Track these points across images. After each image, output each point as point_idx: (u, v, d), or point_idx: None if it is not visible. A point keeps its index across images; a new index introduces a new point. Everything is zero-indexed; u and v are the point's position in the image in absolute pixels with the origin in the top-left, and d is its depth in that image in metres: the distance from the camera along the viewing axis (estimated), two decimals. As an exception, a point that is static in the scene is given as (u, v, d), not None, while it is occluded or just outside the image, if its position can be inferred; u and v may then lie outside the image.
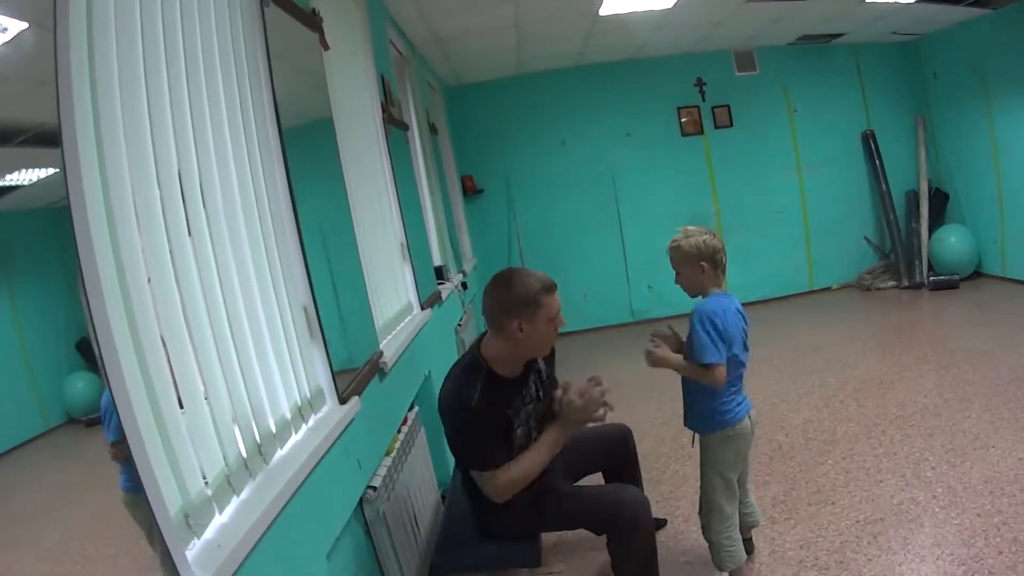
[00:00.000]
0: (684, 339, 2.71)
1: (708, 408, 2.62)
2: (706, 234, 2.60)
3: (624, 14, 5.70)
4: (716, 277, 2.61)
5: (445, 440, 2.56)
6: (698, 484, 2.78)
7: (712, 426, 2.63)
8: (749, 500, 2.90)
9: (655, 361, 2.63)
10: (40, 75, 1.07)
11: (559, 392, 2.52)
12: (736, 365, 2.57)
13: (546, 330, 2.38)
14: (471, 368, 2.41)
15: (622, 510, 2.43)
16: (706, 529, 2.74)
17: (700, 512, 2.78)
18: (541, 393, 2.60)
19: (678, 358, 2.61)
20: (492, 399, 2.32)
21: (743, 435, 2.64)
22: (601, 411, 2.47)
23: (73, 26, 1.15)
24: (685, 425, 2.76)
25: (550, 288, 2.37)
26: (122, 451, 1.12)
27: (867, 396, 4.60)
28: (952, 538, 2.85)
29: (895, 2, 6.11)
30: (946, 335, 5.89)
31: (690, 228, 2.64)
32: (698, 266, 2.57)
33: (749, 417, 2.65)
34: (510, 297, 2.33)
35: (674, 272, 2.68)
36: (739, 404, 2.62)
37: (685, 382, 2.70)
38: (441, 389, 2.46)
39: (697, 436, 2.73)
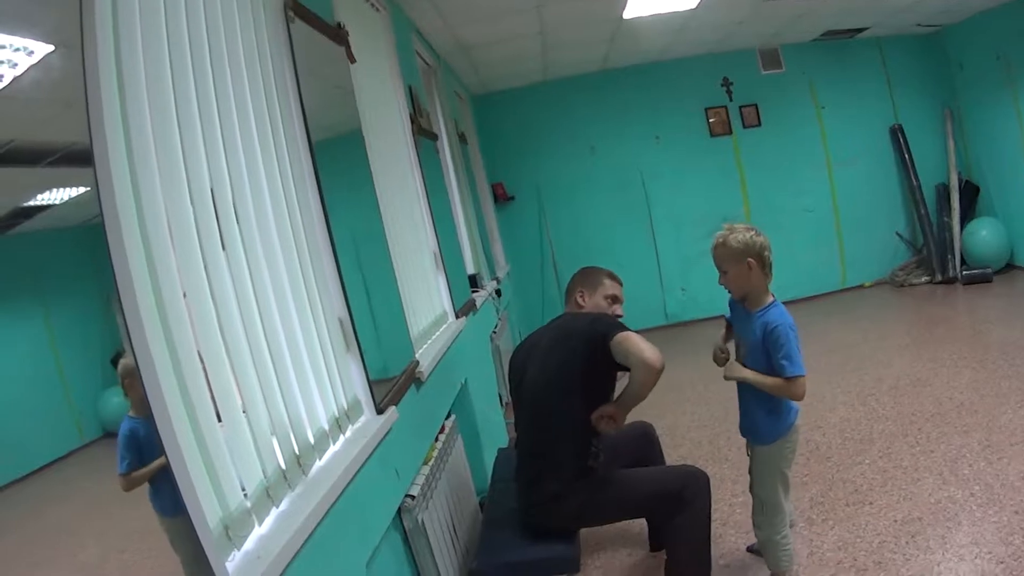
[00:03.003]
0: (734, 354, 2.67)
1: (776, 418, 2.55)
2: (751, 231, 2.51)
3: (647, 16, 5.68)
4: (764, 276, 2.51)
5: (528, 424, 2.71)
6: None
7: (775, 437, 2.57)
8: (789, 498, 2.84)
9: (732, 374, 2.57)
10: (67, 96, 1.09)
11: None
12: None
13: (604, 306, 2.82)
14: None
15: (689, 481, 2.55)
16: (765, 529, 2.66)
17: (755, 514, 2.71)
18: None
19: (749, 372, 2.52)
20: None
21: (797, 430, 2.60)
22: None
23: (101, 47, 1.17)
24: (742, 434, 2.72)
25: (613, 276, 2.93)
26: (131, 481, 1.13)
27: (903, 394, 4.51)
28: (990, 536, 2.79)
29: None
30: (981, 330, 5.77)
31: (735, 225, 2.55)
32: (745, 263, 2.47)
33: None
34: (582, 275, 2.93)
35: (719, 272, 2.57)
36: (792, 406, 2.57)
37: (745, 392, 2.62)
38: (552, 330, 2.76)
39: (750, 444, 2.69)
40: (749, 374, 2.51)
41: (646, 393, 2.44)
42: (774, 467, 2.60)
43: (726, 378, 2.59)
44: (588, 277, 2.89)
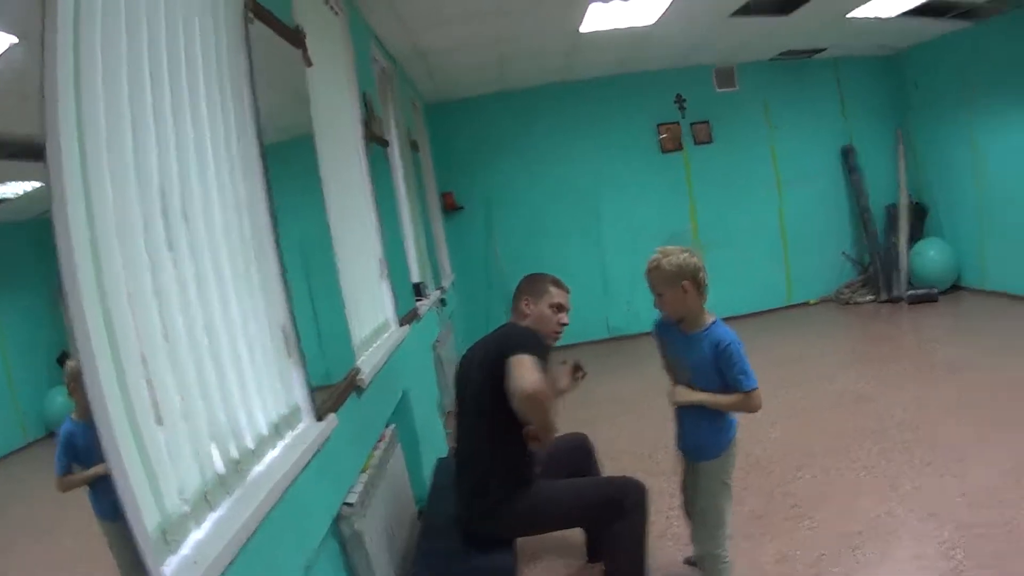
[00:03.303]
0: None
1: (719, 432, 2.58)
2: (685, 252, 2.50)
3: (605, 31, 5.76)
4: (700, 298, 2.51)
5: (462, 435, 2.79)
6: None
7: (720, 450, 2.59)
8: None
9: (682, 398, 2.56)
10: (28, 89, 1.08)
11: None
12: None
13: (549, 314, 2.82)
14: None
15: (628, 490, 2.61)
16: (707, 544, 2.65)
17: (697, 528, 2.70)
18: None
19: (702, 394, 2.52)
20: None
21: (736, 440, 2.63)
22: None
23: (60, 41, 1.16)
24: (685, 454, 2.72)
25: (559, 283, 2.90)
26: (66, 484, 1.12)
27: (845, 409, 4.64)
28: (931, 551, 2.86)
29: (878, 18, 6.22)
30: (925, 348, 5.96)
31: (668, 248, 2.54)
32: (680, 287, 2.46)
33: None
34: (527, 283, 2.91)
35: (654, 295, 2.57)
36: (733, 419, 2.61)
37: (688, 414, 2.61)
38: (487, 343, 2.76)
39: (691, 461, 2.69)
40: (703, 396, 2.52)
41: (540, 420, 2.44)
42: (720, 479, 2.61)
43: (677, 404, 2.58)
44: (534, 284, 2.88)
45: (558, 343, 2.86)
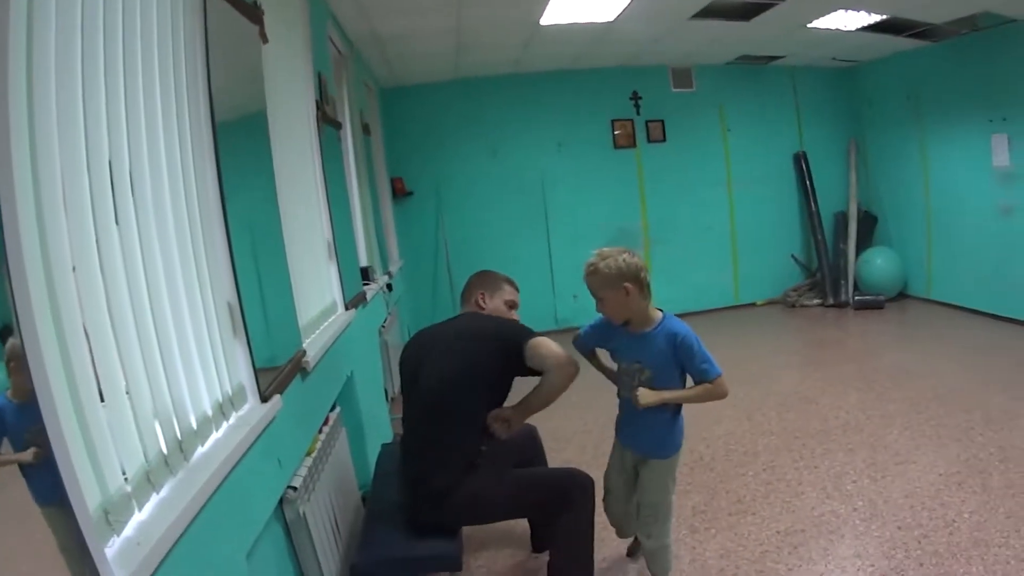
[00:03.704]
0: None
1: (673, 432, 2.60)
2: (624, 252, 2.45)
3: (564, 24, 5.77)
4: (644, 298, 2.46)
5: (414, 422, 2.74)
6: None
7: (674, 448, 2.62)
8: None
9: (647, 400, 2.48)
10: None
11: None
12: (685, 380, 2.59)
13: (503, 310, 2.93)
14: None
15: (575, 483, 2.64)
16: (660, 538, 2.68)
17: (648, 524, 2.68)
18: None
19: (669, 393, 2.50)
20: None
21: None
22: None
23: (13, 5, 1.12)
24: (636, 451, 2.68)
25: (512, 282, 3.04)
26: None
27: (789, 410, 4.76)
28: (873, 550, 2.95)
29: (837, 29, 6.35)
30: (869, 353, 6.12)
31: (605, 250, 2.48)
32: (622, 288, 2.42)
33: None
34: (480, 278, 3.00)
35: (595, 299, 2.52)
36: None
37: (643, 413, 2.53)
38: (496, 323, 2.78)
39: (642, 458, 2.67)
40: (670, 395, 2.50)
41: (555, 397, 2.58)
42: (669, 475, 2.65)
43: (643, 406, 2.48)
44: (488, 280, 2.99)
45: None
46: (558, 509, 2.60)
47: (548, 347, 2.57)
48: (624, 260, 2.43)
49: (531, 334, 2.63)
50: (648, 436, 2.63)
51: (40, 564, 1.11)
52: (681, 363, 2.49)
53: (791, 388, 5.24)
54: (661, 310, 2.57)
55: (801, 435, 4.30)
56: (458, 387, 2.61)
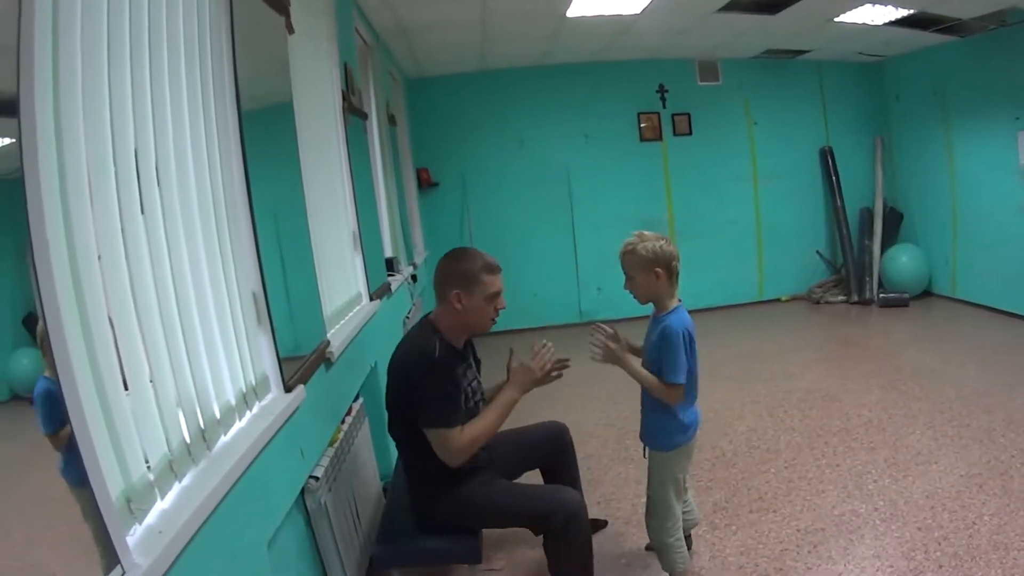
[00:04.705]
0: (633, 345, 2.75)
1: (669, 426, 2.62)
2: (662, 240, 2.56)
3: (591, 16, 5.74)
4: (671, 285, 2.57)
5: (387, 427, 2.63)
6: (640, 487, 2.81)
7: (670, 445, 2.63)
8: (689, 499, 2.93)
9: (610, 357, 2.62)
10: (2, 41, 1.04)
11: (509, 359, 2.67)
12: (694, 379, 2.60)
13: (484, 306, 2.54)
14: (426, 329, 2.58)
15: (557, 510, 2.46)
16: (657, 533, 2.71)
17: (648, 517, 2.76)
18: (476, 369, 2.76)
19: (636, 363, 2.61)
20: (447, 359, 2.46)
21: (693, 444, 2.68)
22: (554, 372, 2.63)
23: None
24: (641, 439, 2.76)
25: (492, 268, 2.56)
26: (60, 440, 1.09)
27: (812, 407, 4.70)
28: (892, 551, 2.91)
29: (864, 24, 6.25)
30: (893, 352, 6.03)
31: (646, 233, 2.59)
32: (653, 272, 2.53)
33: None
34: (454, 269, 2.55)
35: (625, 277, 2.62)
36: (693, 416, 2.65)
37: (646, 397, 2.68)
38: (396, 352, 2.55)
39: (648, 449, 2.73)
40: (630, 365, 2.61)
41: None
42: (668, 472, 2.66)
43: (601, 360, 2.65)
44: (463, 273, 2.53)
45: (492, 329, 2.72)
46: (543, 532, 2.51)
47: (438, 447, 2.40)
48: (660, 246, 2.54)
49: (428, 421, 2.39)
50: (647, 425, 2.73)
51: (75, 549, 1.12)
52: (660, 354, 2.56)
53: (814, 385, 5.18)
54: (678, 301, 2.63)
55: (823, 433, 4.25)
56: (394, 419, 2.56)
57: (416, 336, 2.58)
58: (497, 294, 2.57)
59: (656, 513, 2.70)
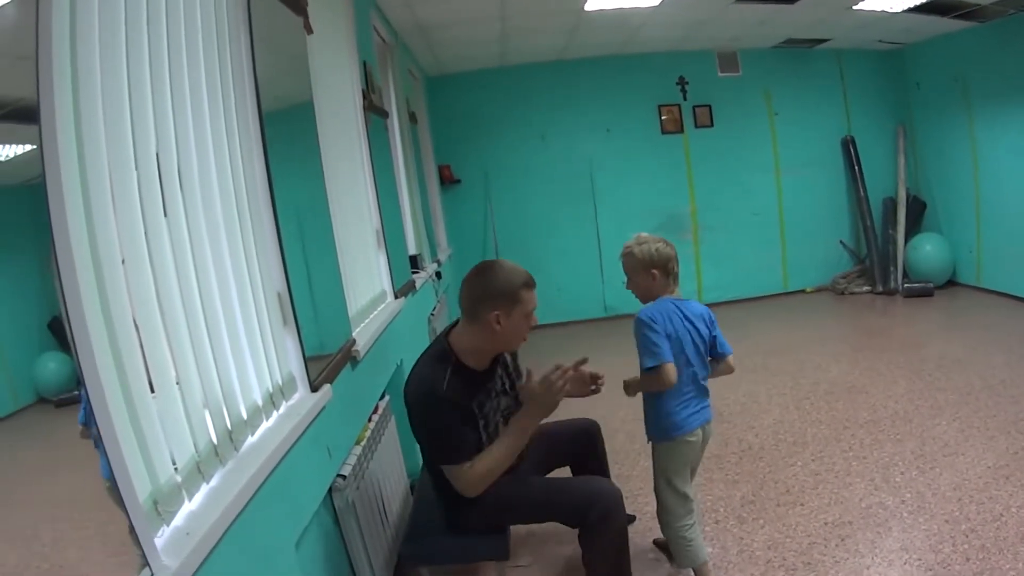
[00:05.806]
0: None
1: (657, 417, 2.66)
2: (659, 242, 2.64)
3: (610, 10, 5.71)
4: (667, 285, 2.65)
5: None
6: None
7: (660, 435, 2.67)
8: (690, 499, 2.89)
9: (632, 391, 2.73)
10: (21, 49, 1.05)
11: (523, 380, 2.50)
12: (684, 370, 2.57)
13: (521, 325, 2.37)
14: (439, 357, 2.40)
15: (595, 502, 2.41)
16: (663, 527, 2.77)
17: (658, 511, 2.79)
18: (508, 386, 2.62)
19: (631, 379, 2.71)
20: (459, 390, 2.32)
21: (692, 445, 2.65)
22: (592, 387, 2.63)
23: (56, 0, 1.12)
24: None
25: (530, 284, 2.38)
26: (88, 432, 1.10)
27: (838, 399, 4.65)
28: (920, 543, 2.88)
29: (883, 11, 6.17)
30: (919, 342, 5.94)
31: (643, 235, 2.69)
32: (649, 273, 2.63)
33: (702, 428, 2.66)
34: (491, 288, 2.33)
35: (626, 277, 2.74)
36: (692, 414, 2.61)
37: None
38: (408, 379, 2.45)
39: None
40: (631, 380, 2.70)
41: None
42: (657, 465, 2.72)
43: (631, 394, 2.77)
44: (502, 292, 2.33)
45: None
46: (579, 525, 2.44)
47: (455, 482, 2.33)
48: (657, 249, 2.63)
49: (441, 460, 2.35)
50: (645, 414, 2.77)
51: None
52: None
53: (840, 377, 5.12)
54: (669, 293, 2.67)
55: (850, 425, 4.19)
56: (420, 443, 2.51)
57: (426, 364, 2.42)
58: (534, 310, 2.39)
59: (660, 503, 2.75)
